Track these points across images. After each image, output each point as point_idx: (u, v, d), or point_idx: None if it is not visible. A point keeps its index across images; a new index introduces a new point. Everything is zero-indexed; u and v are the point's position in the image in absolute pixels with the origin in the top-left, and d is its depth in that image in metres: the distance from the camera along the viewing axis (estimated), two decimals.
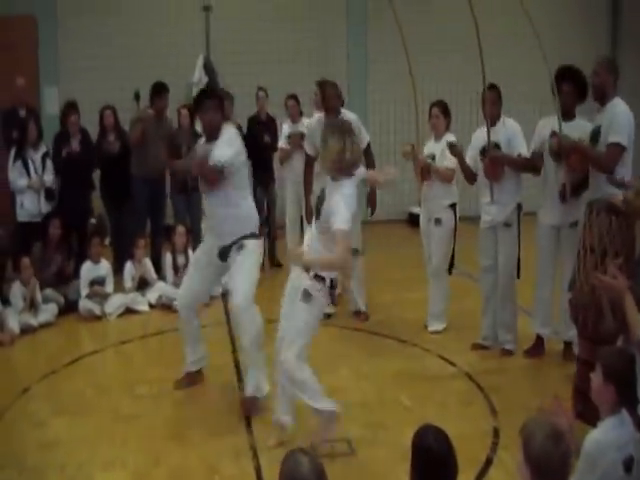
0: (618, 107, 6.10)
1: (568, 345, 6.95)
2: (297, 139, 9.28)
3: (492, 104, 7.01)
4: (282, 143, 9.54)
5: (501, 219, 7.03)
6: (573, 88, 6.62)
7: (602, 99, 6.18)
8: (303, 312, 5.26)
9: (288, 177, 9.65)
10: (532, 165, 6.93)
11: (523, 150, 6.97)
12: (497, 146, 6.96)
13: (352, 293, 8.31)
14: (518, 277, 7.08)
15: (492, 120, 7.00)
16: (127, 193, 9.76)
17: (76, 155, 9.29)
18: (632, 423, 3.82)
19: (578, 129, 6.52)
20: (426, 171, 7.61)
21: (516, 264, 7.04)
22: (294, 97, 9.67)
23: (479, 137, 7.16)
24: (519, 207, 7.02)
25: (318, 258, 5.18)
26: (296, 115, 9.47)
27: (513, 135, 6.97)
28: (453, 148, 7.25)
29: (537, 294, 7.10)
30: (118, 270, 9.17)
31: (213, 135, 6.10)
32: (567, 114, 6.62)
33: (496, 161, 6.95)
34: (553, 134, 6.64)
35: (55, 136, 9.53)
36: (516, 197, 7.03)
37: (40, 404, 6.39)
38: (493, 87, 7.05)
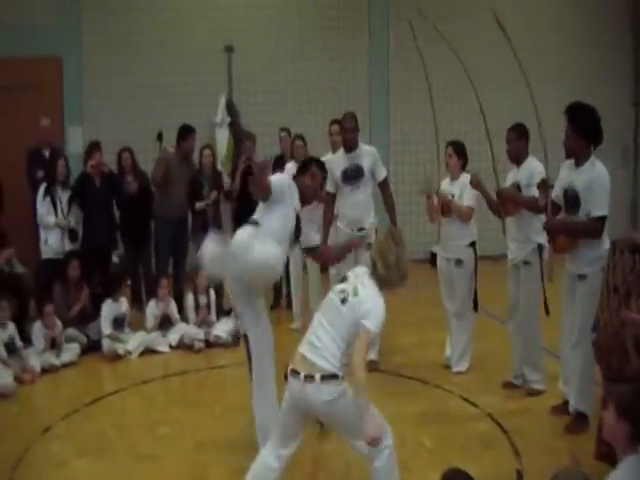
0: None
1: None
2: None
3: (508, 143, 6.99)
4: None
5: (521, 257, 6.94)
6: (577, 130, 6.06)
7: (577, 159, 6.07)
8: None
9: None
10: (537, 208, 6.59)
11: (534, 192, 6.70)
12: (518, 185, 6.92)
13: None
14: (547, 314, 6.82)
15: (517, 160, 6.98)
16: (146, 234, 9.80)
17: (100, 193, 9.38)
18: None
19: (586, 175, 6.07)
20: (446, 208, 7.60)
21: (538, 302, 6.84)
22: (301, 137, 9.62)
23: (510, 176, 7.12)
24: (540, 247, 6.84)
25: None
26: (302, 156, 9.26)
27: (530, 176, 6.81)
28: (473, 182, 7.27)
29: (563, 352, 6.65)
30: (137, 310, 9.14)
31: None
32: (574, 159, 6.18)
33: (502, 197, 6.96)
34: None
35: (80, 175, 9.58)
36: (535, 236, 6.83)
37: (61, 444, 6.38)
38: (513, 127, 7.03)
